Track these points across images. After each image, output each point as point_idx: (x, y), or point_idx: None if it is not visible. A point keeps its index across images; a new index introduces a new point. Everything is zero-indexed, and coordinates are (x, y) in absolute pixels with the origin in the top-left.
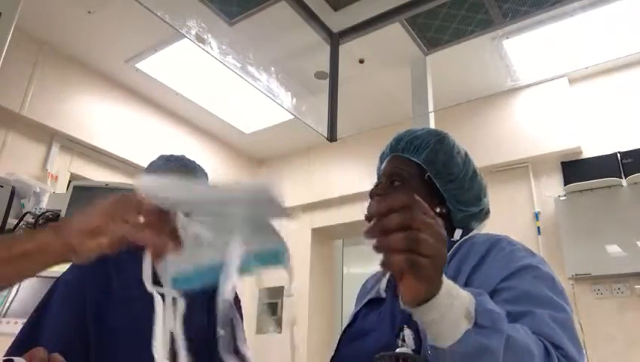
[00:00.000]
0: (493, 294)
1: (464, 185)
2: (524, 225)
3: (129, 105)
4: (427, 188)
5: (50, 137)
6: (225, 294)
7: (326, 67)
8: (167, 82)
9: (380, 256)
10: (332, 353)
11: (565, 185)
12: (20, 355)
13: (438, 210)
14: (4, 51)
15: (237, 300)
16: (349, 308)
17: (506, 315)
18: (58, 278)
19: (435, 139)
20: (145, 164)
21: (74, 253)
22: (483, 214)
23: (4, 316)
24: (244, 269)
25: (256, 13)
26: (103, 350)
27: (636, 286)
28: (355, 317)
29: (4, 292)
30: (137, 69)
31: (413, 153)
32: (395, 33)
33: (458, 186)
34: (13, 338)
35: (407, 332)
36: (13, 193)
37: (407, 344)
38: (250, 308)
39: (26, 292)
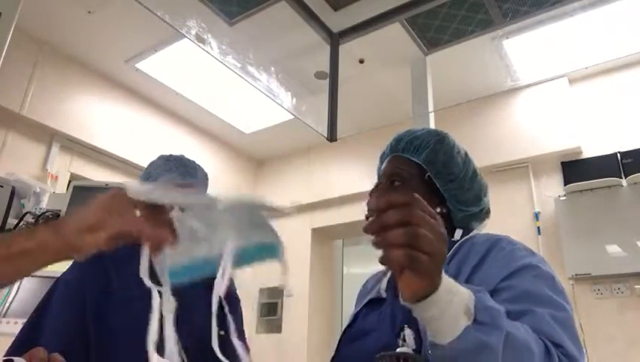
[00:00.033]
0: (493, 293)
1: (464, 185)
2: (524, 225)
3: (129, 105)
4: (427, 188)
5: (50, 137)
6: (220, 288)
7: (326, 67)
8: (167, 82)
9: (379, 253)
10: (332, 353)
11: (565, 185)
12: (19, 355)
13: (438, 209)
14: (4, 51)
15: (237, 300)
16: (349, 308)
17: (506, 314)
18: (58, 278)
19: (435, 139)
20: (145, 164)
21: (73, 250)
22: (483, 214)
23: (4, 316)
24: (239, 262)
25: (256, 13)
26: (103, 350)
27: (636, 286)
28: (356, 317)
29: (4, 292)
30: (137, 69)
31: (413, 153)
32: (395, 33)
33: (458, 186)
34: (13, 339)
35: (408, 332)
36: (13, 193)
37: (407, 344)
38: (250, 308)
39: (26, 292)
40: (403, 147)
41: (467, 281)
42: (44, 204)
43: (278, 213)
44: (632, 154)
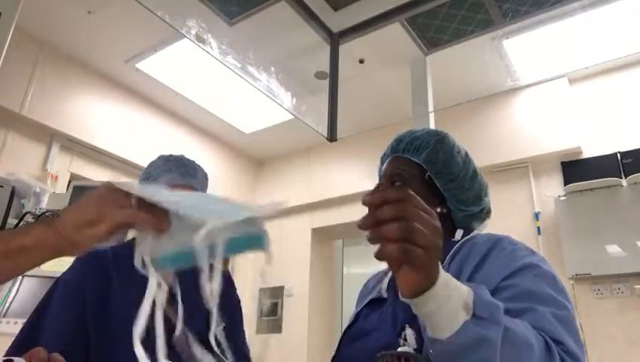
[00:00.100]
0: (494, 292)
1: (464, 185)
2: (524, 225)
3: (129, 105)
4: (428, 188)
5: (50, 137)
6: (212, 281)
7: (326, 67)
8: (167, 82)
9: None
10: (333, 353)
11: (565, 185)
12: (19, 355)
13: (438, 209)
14: (4, 51)
15: (237, 300)
16: (349, 308)
17: (507, 313)
18: (58, 278)
19: (435, 139)
20: (145, 164)
21: (72, 246)
22: (484, 214)
23: (4, 316)
24: (227, 251)
25: (256, 13)
26: (103, 350)
27: (636, 286)
28: (357, 317)
29: (4, 292)
30: (137, 69)
31: (413, 153)
32: (395, 33)
33: (458, 186)
34: (13, 339)
35: (409, 332)
36: (13, 193)
37: (408, 343)
38: (250, 308)
39: (26, 293)
40: (403, 147)
41: (468, 281)
42: (44, 203)
43: (263, 218)
44: (632, 154)
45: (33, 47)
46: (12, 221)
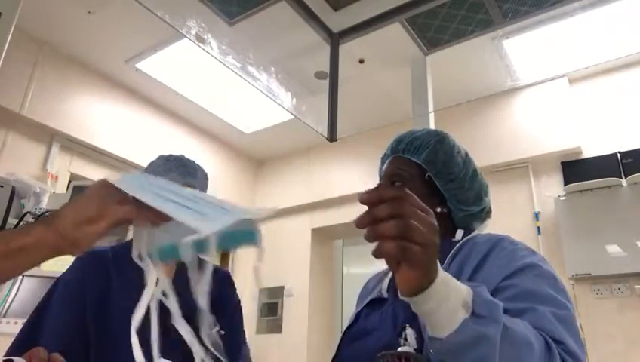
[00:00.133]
0: (495, 292)
1: (464, 185)
2: (524, 225)
3: (129, 105)
4: (428, 188)
5: (50, 137)
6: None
7: (326, 67)
8: (167, 82)
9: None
10: (333, 353)
11: (565, 185)
12: (19, 355)
13: (438, 209)
14: (4, 51)
15: (237, 300)
16: (349, 308)
17: (507, 312)
18: (58, 278)
19: (435, 139)
20: (145, 164)
21: (72, 244)
22: (484, 214)
23: (4, 316)
24: (220, 246)
25: (256, 13)
26: (103, 350)
27: (636, 286)
28: (357, 317)
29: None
30: (137, 69)
31: (413, 153)
32: (395, 33)
33: (458, 186)
34: (13, 339)
35: (410, 332)
36: (13, 193)
37: (409, 343)
38: (250, 308)
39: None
40: (403, 148)
41: (469, 281)
42: (44, 203)
43: (256, 220)
44: (632, 154)
45: (33, 47)
46: (12, 221)
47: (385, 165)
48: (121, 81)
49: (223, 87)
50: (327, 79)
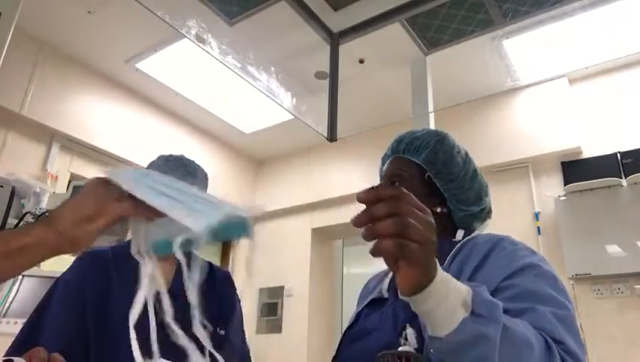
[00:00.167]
0: (495, 293)
1: (464, 185)
2: (524, 225)
3: (129, 105)
4: (428, 188)
5: (50, 137)
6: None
7: (326, 67)
8: (167, 82)
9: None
10: (333, 353)
11: (565, 185)
12: (19, 355)
13: (438, 209)
14: (4, 51)
15: (237, 300)
16: (349, 308)
17: (507, 312)
18: (58, 278)
19: (435, 139)
20: (145, 164)
21: (72, 243)
22: (484, 214)
23: (4, 316)
24: (212, 238)
25: (256, 13)
26: (103, 350)
27: (636, 286)
28: (357, 317)
29: (4, 292)
30: (137, 69)
31: (413, 154)
32: (395, 33)
33: (458, 186)
34: (13, 339)
35: (410, 331)
36: (13, 193)
37: (409, 342)
38: (250, 308)
39: (26, 293)
40: (404, 148)
41: (469, 281)
42: (44, 204)
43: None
44: (632, 154)
45: (33, 47)
46: (12, 221)
47: (385, 165)
48: (121, 81)
49: (223, 87)
50: (327, 79)
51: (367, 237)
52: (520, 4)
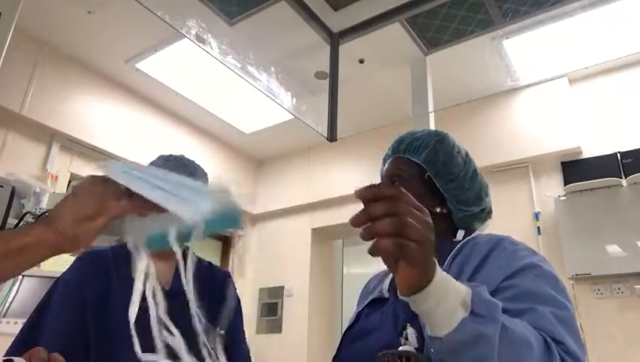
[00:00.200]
0: (495, 293)
1: (464, 185)
2: (524, 225)
3: (129, 105)
4: (428, 188)
5: (50, 137)
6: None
7: (326, 67)
8: (167, 82)
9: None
10: (334, 353)
11: (565, 185)
12: (19, 355)
13: (438, 210)
14: (4, 51)
15: (237, 300)
16: (349, 308)
17: (507, 312)
18: (58, 278)
19: (435, 139)
20: (145, 164)
21: (72, 243)
22: (485, 214)
23: (4, 316)
24: (206, 227)
25: (256, 13)
26: (103, 350)
27: (636, 286)
28: (358, 316)
29: (4, 292)
30: (137, 69)
31: (413, 154)
32: (395, 33)
33: (458, 186)
34: (13, 339)
35: (410, 331)
36: (13, 193)
37: (409, 342)
38: (250, 308)
39: (26, 293)
40: (404, 148)
41: (469, 281)
42: (44, 204)
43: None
44: (632, 154)
45: (33, 47)
46: (12, 221)
47: (386, 165)
48: (121, 81)
49: (223, 87)
50: (327, 79)
51: (366, 236)
52: (520, 4)
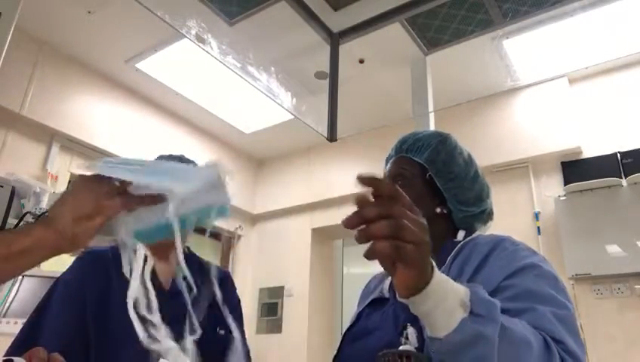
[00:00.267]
0: (495, 292)
1: (464, 185)
2: (524, 225)
3: (129, 105)
4: (429, 188)
5: (50, 137)
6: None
7: (326, 67)
8: (167, 82)
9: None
10: (334, 352)
11: (565, 185)
12: (19, 355)
13: (438, 210)
14: (4, 51)
15: (237, 300)
16: (349, 308)
17: (507, 312)
18: (58, 278)
19: (438, 139)
20: None
21: (72, 243)
22: (486, 215)
23: (4, 316)
24: (199, 222)
25: (256, 13)
26: (103, 350)
27: (636, 286)
28: (359, 316)
29: (4, 292)
30: (137, 69)
31: (416, 153)
32: (395, 33)
33: (458, 185)
34: (13, 339)
35: (411, 331)
36: (13, 193)
37: (410, 342)
38: (250, 308)
39: (26, 293)
40: (407, 148)
41: (470, 281)
42: (44, 204)
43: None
44: (632, 154)
45: (33, 47)
46: (12, 221)
47: (388, 165)
48: (121, 81)
49: (223, 87)
50: (327, 79)
51: (361, 239)
52: (520, 4)
